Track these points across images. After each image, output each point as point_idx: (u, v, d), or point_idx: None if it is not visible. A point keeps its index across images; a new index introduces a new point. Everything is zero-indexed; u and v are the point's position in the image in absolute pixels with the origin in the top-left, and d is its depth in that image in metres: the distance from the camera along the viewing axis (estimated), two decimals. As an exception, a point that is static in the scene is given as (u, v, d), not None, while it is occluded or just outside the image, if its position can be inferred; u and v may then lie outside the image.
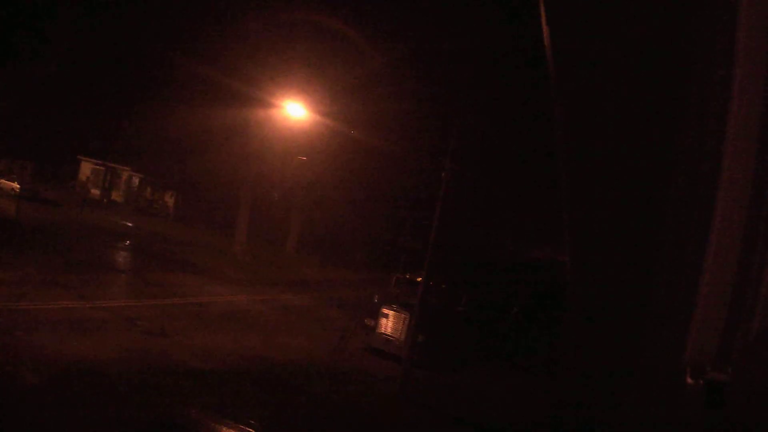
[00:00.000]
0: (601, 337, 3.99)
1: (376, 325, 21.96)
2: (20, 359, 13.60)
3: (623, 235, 3.79)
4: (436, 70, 35.74)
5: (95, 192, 58.81)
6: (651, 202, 3.69)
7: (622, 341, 3.87)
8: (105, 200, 57.33)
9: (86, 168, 60.60)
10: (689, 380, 3.38)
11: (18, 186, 43.54)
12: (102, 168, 59.60)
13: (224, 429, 7.05)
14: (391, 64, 36.24)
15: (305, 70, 35.54)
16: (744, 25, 3.25)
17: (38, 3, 38.81)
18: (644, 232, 3.73)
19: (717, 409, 3.26)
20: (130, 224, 45.47)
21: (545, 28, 3.61)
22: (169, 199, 58.59)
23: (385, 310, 21.93)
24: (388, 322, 21.74)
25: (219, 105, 39.00)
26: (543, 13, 3.61)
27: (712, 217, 3.35)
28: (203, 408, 10.82)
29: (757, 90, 3.26)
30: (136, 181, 60.33)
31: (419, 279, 20.14)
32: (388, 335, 21.64)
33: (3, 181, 46.26)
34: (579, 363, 4.23)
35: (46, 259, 24.49)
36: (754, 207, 3.27)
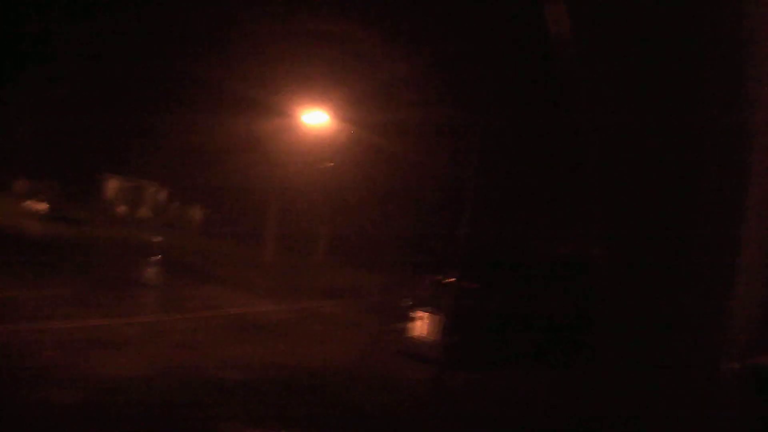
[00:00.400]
0: (637, 330, 3.83)
1: (409, 328, 21.82)
2: (51, 378, 13.54)
3: (657, 224, 3.61)
4: (461, 73, 35.67)
5: (122, 209, 59.21)
6: (688, 186, 3.51)
7: (659, 333, 3.70)
8: (131, 216, 57.67)
9: (112, 185, 61.08)
10: (734, 366, 3.24)
11: (45, 206, 43.82)
12: (128, 184, 60.02)
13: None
14: (416, 68, 36.21)
15: (329, 77, 35.55)
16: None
17: (56, 21, 39.01)
18: (679, 218, 3.56)
19: (759, 392, 3.13)
20: (158, 239, 45.61)
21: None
22: (196, 213, 58.91)
23: (417, 313, 21.79)
24: (421, 325, 21.59)
25: (243, 115, 39.15)
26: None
27: (746, 199, 3.19)
28: (236, 421, 10.68)
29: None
30: (162, 195, 60.69)
31: (450, 280, 20.02)
32: (422, 338, 21.49)
33: (30, 202, 46.53)
34: (616, 357, 4.07)
35: (75, 278, 24.57)
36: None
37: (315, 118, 32.73)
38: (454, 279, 18.61)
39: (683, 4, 3.39)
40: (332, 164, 43.53)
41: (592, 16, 3.50)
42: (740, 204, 3.18)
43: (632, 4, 3.46)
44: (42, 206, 44.04)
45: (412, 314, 21.90)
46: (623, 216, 3.73)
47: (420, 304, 22.13)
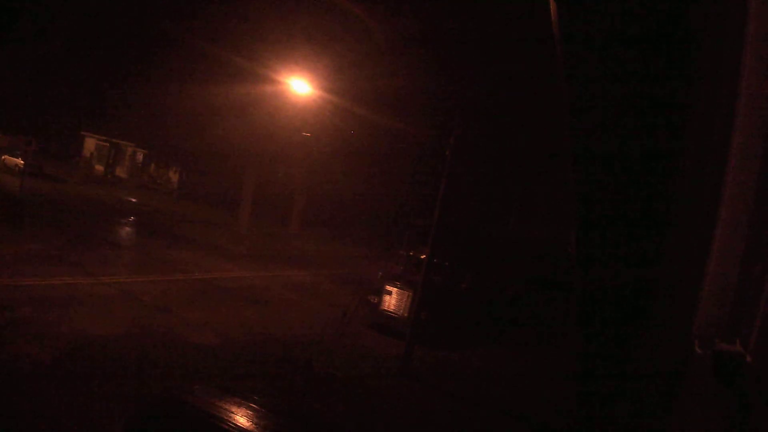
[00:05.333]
0: (608, 313, 4.04)
1: (380, 301, 22.04)
2: (26, 335, 13.69)
3: (631, 206, 3.82)
4: (443, 46, 35.64)
5: (99, 168, 58.95)
6: (662, 170, 3.73)
7: (629, 317, 3.92)
8: (109, 176, 57.42)
9: (90, 144, 60.74)
10: (698, 350, 3.43)
11: (22, 162, 43.56)
12: (106, 144, 59.71)
13: (227, 404, 7.11)
14: (397, 39, 36.13)
15: (310, 46, 35.47)
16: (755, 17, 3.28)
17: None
18: (654, 203, 3.77)
19: (726, 381, 3.29)
20: (134, 200, 45.57)
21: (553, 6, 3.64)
22: (173, 176, 58.74)
23: (389, 287, 22.01)
24: (392, 299, 21.82)
25: (223, 81, 39.00)
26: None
27: (722, 191, 3.39)
28: (207, 383, 10.87)
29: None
30: (140, 156, 60.45)
31: (423, 256, 20.19)
32: (391, 312, 21.72)
33: (7, 157, 46.29)
34: (586, 338, 4.27)
35: (50, 235, 24.60)
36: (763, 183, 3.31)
37: (296, 87, 32.67)
38: (425, 256, 18.75)
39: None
40: (309, 135, 43.48)
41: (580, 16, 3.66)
42: (717, 194, 3.36)
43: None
44: (19, 162, 43.78)
45: (383, 288, 22.12)
46: (599, 195, 3.90)
47: (391, 279, 22.35)
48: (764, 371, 3.08)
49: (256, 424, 6.72)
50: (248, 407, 7.06)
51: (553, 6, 3.61)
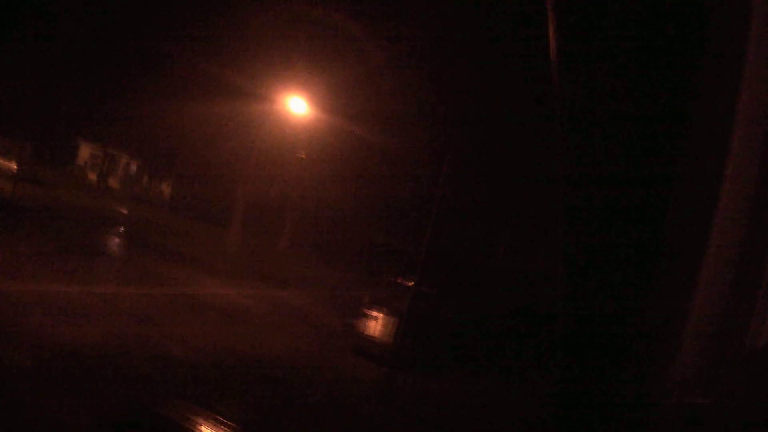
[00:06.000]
0: (589, 351, 4.02)
1: (364, 326, 22.05)
2: (6, 340, 13.65)
3: (615, 247, 3.81)
4: (437, 71, 35.81)
5: (93, 176, 58.92)
6: (644, 214, 3.72)
7: (609, 361, 3.90)
8: (102, 185, 57.38)
9: (85, 151, 60.77)
10: (667, 401, 3.41)
11: (15, 166, 43.52)
12: (100, 153, 59.71)
13: (205, 422, 7.10)
14: (389, 62, 36.30)
15: (305, 66, 35.61)
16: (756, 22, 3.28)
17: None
18: (638, 244, 3.76)
19: (696, 428, 3.28)
20: (125, 211, 45.48)
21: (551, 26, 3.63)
22: (166, 188, 58.77)
23: (374, 312, 22.02)
24: (376, 325, 21.82)
25: (219, 98, 39.11)
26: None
27: (709, 235, 3.38)
28: (186, 399, 10.84)
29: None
30: (133, 167, 60.44)
31: (410, 283, 20.25)
32: (375, 337, 21.74)
33: (0, 160, 46.27)
34: (566, 373, 4.24)
35: (39, 241, 24.56)
36: (751, 226, 3.32)
37: (292, 107, 32.78)
38: (412, 282, 18.82)
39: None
40: (304, 155, 43.59)
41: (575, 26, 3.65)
42: (707, 226, 3.36)
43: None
44: (12, 166, 43.74)
45: (366, 313, 22.15)
46: (586, 232, 3.90)
47: (376, 303, 22.38)
48: (738, 424, 3.10)
49: (231, 443, 6.70)
50: (225, 425, 7.05)
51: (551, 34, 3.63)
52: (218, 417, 7.24)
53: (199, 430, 6.83)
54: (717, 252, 3.31)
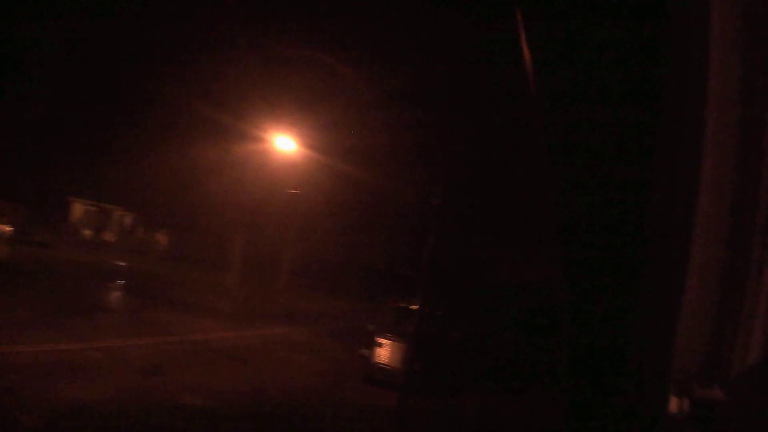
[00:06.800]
0: (591, 356, 4.00)
1: (372, 354, 21.97)
2: (15, 403, 13.55)
3: (609, 251, 3.80)
4: (426, 103, 35.99)
5: (88, 233, 58.88)
6: (634, 216, 3.71)
7: (611, 361, 3.87)
8: (97, 240, 57.32)
9: (78, 209, 60.78)
10: (674, 397, 3.38)
11: (10, 229, 43.49)
12: (94, 208, 59.72)
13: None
14: (381, 97, 36.50)
15: (295, 105, 35.80)
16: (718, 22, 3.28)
17: (26, 43, 38.90)
18: (629, 248, 3.75)
19: (702, 428, 3.25)
20: (122, 264, 45.40)
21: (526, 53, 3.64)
22: (162, 238, 58.70)
23: (381, 340, 21.95)
24: (384, 352, 21.75)
25: (209, 141, 39.19)
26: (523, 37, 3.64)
27: (694, 229, 3.36)
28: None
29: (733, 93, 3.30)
30: (128, 220, 60.41)
31: (414, 307, 20.19)
32: (385, 364, 21.65)
33: (-6, 224, 46.21)
34: (573, 385, 4.22)
35: (40, 301, 24.47)
36: (738, 214, 3.30)
37: (282, 145, 32.79)
38: (417, 306, 18.77)
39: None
40: (297, 191, 43.60)
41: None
42: (691, 221, 3.35)
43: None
44: (7, 228, 43.70)
45: (375, 341, 22.07)
46: (579, 239, 3.89)
47: (383, 331, 22.30)
48: (742, 416, 3.07)
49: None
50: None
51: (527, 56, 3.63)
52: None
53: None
54: (702, 253, 3.30)
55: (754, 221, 3.26)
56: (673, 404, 3.39)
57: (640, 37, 3.47)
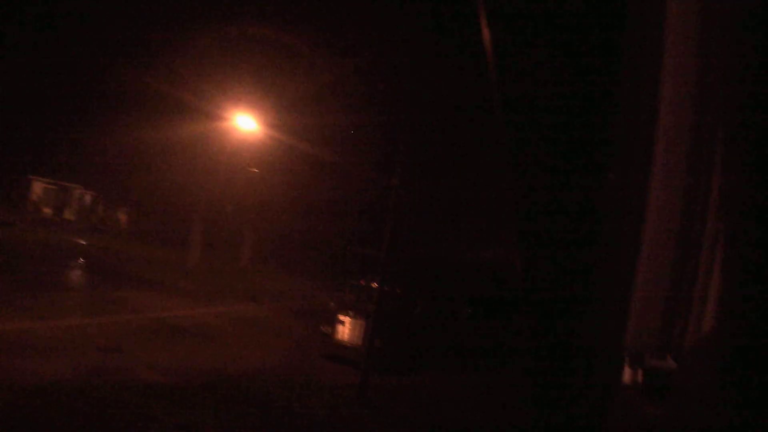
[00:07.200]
0: (548, 331, 4.11)
1: (333, 332, 22.09)
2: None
3: (563, 229, 3.90)
4: (382, 82, 35.94)
5: (47, 211, 58.29)
6: (589, 195, 3.81)
7: (567, 334, 3.98)
8: (57, 219, 56.79)
9: (37, 187, 60.05)
10: (628, 368, 3.48)
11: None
12: (53, 187, 59.09)
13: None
14: (339, 77, 36.41)
15: (255, 84, 35.58)
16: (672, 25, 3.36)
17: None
18: (584, 225, 3.85)
19: (656, 397, 3.34)
20: (83, 242, 45.06)
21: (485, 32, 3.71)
22: (122, 216, 58.27)
23: (342, 317, 22.08)
24: (345, 329, 21.89)
25: (169, 119, 38.91)
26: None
27: (646, 209, 3.45)
28: (162, 423, 10.81)
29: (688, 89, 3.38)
30: (87, 198, 59.84)
31: (374, 285, 20.32)
32: (346, 342, 21.78)
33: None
34: (531, 358, 4.33)
35: (-2, 280, 24.33)
36: (691, 195, 3.38)
37: (242, 123, 32.68)
38: (376, 284, 18.90)
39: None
40: (257, 170, 43.49)
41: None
42: (642, 203, 3.42)
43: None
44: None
45: (336, 318, 22.19)
46: (534, 217, 3.97)
47: (344, 309, 22.42)
48: (694, 386, 3.18)
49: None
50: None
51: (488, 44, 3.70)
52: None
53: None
54: (656, 225, 3.40)
55: (708, 195, 3.35)
56: (627, 375, 3.48)
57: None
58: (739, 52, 3.32)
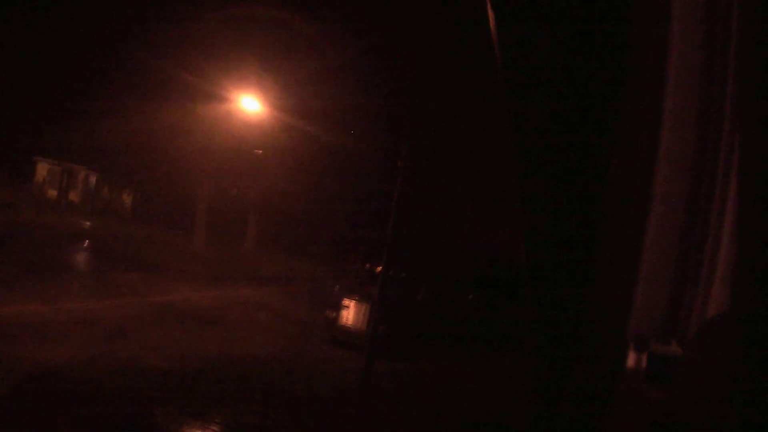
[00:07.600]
0: (553, 316, 4.08)
1: (338, 316, 22.11)
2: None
3: (569, 213, 3.87)
4: (392, 65, 35.81)
5: (52, 192, 58.33)
6: (594, 179, 3.78)
7: (571, 318, 3.95)
8: (62, 201, 56.82)
9: (42, 169, 60.12)
10: (632, 353, 3.46)
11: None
12: (58, 168, 59.11)
13: (187, 427, 7.14)
14: (347, 58, 36.28)
15: (261, 65, 35.46)
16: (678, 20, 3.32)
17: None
18: (589, 208, 3.82)
19: (660, 382, 3.32)
20: (88, 224, 45.15)
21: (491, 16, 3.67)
22: (127, 198, 58.22)
23: (346, 302, 22.10)
24: (349, 314, 21.90)
25: (174, 101, 38.82)
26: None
27: (651, 191, 3.42)
28: (166, 406, 10.82)
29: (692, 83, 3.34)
30: (92, 180, 59.81)
31: (379, 270, 20.30)
32: (350, 326, 21.80)
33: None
34: (536, 344, 4.30)
35: (3, 263, 24.32)
36: (695, 180, 3.35)
37: (247, 105, 32.64)
38: (381, 268, 18.88)
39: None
40: (261, 152, 43.41)
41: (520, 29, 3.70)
42: (647, 187, 3.39)
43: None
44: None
45: (341, 303, 22.21)
46: (540, 202, 3.95)
47: (348, 293, 22.44)
48: (698, 371, 3.16)
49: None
50: (208, 429, 7.09)
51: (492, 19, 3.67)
52: (204, 422, 7.27)
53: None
54: (661, 209, 3.37)
55: (714, 179, 3.32)
56: (631, 360, 3.46)
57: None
58: (747, 42, 3.28)
